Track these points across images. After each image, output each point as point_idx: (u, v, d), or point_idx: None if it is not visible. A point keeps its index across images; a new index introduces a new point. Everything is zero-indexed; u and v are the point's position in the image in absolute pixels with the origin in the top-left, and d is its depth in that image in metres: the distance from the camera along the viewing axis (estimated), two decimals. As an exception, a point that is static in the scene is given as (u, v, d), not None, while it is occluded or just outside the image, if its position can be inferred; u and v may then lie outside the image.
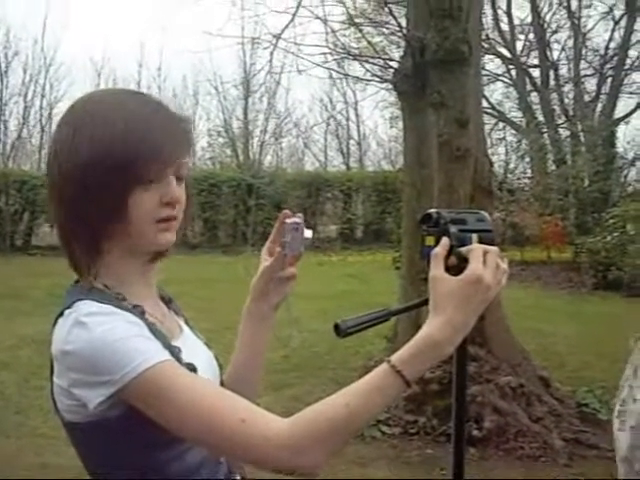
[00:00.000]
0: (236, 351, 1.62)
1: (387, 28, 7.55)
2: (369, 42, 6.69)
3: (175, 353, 1.30)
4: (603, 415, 5.72)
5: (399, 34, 6.55)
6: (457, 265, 1.27)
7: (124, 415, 1.23)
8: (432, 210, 1.31)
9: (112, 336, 1.20)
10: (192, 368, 1.32)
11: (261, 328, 1.58)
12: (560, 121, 22.75)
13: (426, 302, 1.29)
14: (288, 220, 1.44)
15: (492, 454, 5.26)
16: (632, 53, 23.70)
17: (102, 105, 1.33)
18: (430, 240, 1.30)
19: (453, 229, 1.27)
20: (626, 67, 23.58)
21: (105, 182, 1.26)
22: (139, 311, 1.31)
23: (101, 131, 1.28)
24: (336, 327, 1.33)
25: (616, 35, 23.70)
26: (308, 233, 1.49)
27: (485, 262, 1.29)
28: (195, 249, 21.14)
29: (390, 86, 6.74)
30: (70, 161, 1.29)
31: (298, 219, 1.47)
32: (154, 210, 1.33)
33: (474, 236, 1.28)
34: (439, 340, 1.27)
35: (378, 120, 39.31)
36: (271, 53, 7.80)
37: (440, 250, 1.30)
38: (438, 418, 5.47)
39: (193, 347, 1.44)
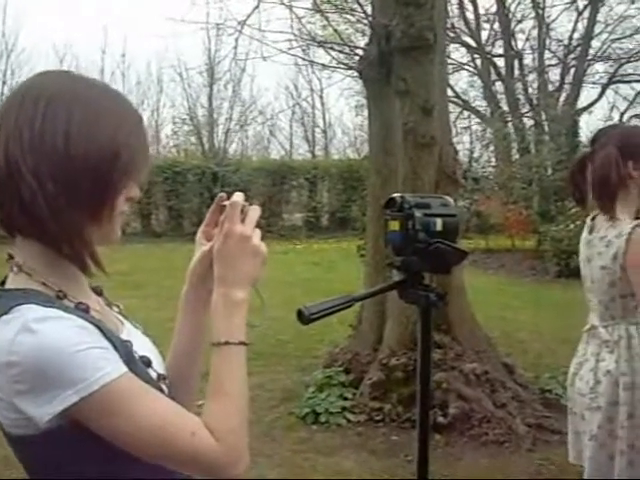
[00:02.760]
0: (176, 342, 1.57)
1: (353, 15, 7.52)
2: (334, 29, 6.67)
3: (128, 348, 1.28)
4: (565, 400, 5.78)
5: (365, 21, 6.50)
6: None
7: (76, 427, 1.19)
8: (396, 195, 1.30)
9: (65, 347, 1.14)
10: (146, 361, 1.32)
11: (201, 315, 1.53)
12: (524, 110, 22.94)
13: (389, 288, 1.28)
14: (226, 203, 1.40)
15: (457, 440, 5.29)
16: (595, 44, 23.97)
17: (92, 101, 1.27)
18: (394, 225, 1.29)
19: (417, 213, 1.26)
20: (589, 57, 23.83)
21: (101, 178, 1.23)
22: (83, 309, 1.26)
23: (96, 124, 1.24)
24: (299, 313, 1.32)
25: (579, 26, 23.93)
26: None
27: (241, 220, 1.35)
28: (160, 237, 21.02)
29: (355, 74, 6.71)
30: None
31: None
32: (121, 204, 1.30)
33: (438, 220, 1.27)
34: (225, 292, 1.34)
35: (344, 108, 39.33)
36: (236, 40, 7.74)
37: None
38: (403, 405, 5.49)
39: (137, 338, 1.42)
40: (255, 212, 1.38)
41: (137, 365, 1.28)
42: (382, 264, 5.50)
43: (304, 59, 13.70)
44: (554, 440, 5.23)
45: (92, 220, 1.25)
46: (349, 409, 5.68)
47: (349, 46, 6.72)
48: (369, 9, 6.51)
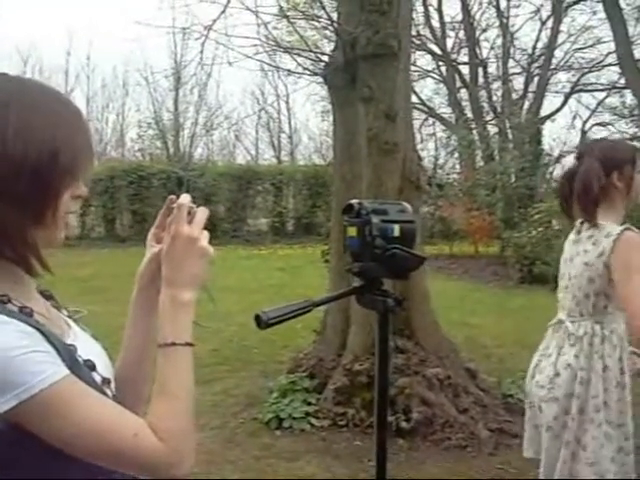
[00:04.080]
0: (125, 345, 1.57)
1: (318, 22, 7.54)
2: (300, 35, 6.68)
3: (72, 352, 1.27)
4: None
5: (331, 28, 6.53)
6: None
7: (17, 429, 1.18)
8: (354, 201, 1.31)
9: (5, 351, 1.14)
10: (90, 365, 1.31)
11: (151, 318, 1.51)
12: (488, 118, 23.16)
13: (347, 294, 1.29)
14: (175, 205, 1.40)
15: (420, 445, 5.32)
16: (558, 53, 24.31)
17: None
18: (352, 231, 1.30)
19: (375, 219, 1.28)
20: (552, 67, 24.14)
21: (41, 179, 1.22)
22: (26, 312, 1.25)
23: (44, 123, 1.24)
24: (257, 318, 1.33)
25: (543, 35, 24.26)
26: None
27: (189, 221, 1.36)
28: (124, 242, 20.84)
29: (321, 80, 6.73)
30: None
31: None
32: (66, 204, 1.29)
33: (396, 227, 1.28)
34: (171, 294, 1.35)
35: (310, 114, 39.48)
36: (202, 44, 7.71)
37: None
38: (367, 410, 5.50)
39: (84, 342, 1.41)
40: (203, 214, 1.39)
41: (81, 369, 1.27)
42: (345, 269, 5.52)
43: (270, 65, 13.68)
44: (515, 444, 5.28)
45: (35, 221, 1.24)
46: (313, 414, 5.68)
47: (314, 52, 6.73)
48: (336, 16, 6.52)
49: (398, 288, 5.72)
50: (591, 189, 3.04)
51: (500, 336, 8.79)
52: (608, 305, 3.03)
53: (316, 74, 6.57)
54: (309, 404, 5.75)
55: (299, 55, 7.03)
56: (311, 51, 6.63)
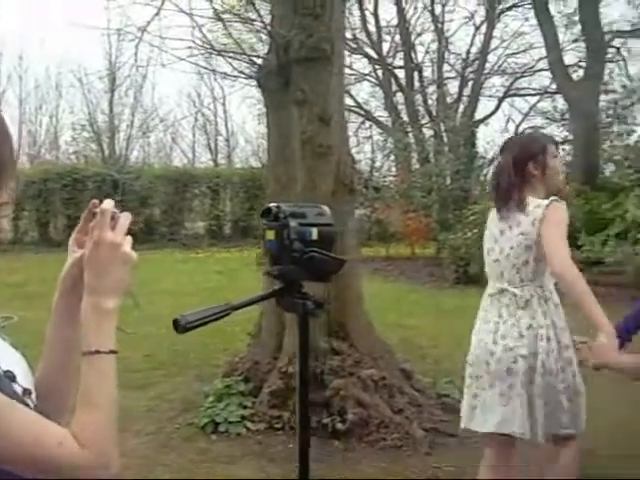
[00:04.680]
0: (48, 354, 1.53)
1: (252, 24, 7.52)
2: (233, 38, 6.67)
3: None
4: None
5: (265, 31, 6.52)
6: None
7: None
8: (272, 204, 1.32)
9: None
10: (10, 376, 1.29)
11: (72, 325, 1.48)
12: (424, 121, 23.44)
13: (267, 296, 1.30)
14: (98, 209, 1.39)
15: (356, 446, 5.34)
16: (491, 58, 24.76)
17: None
18: (270, 234, 1.31)
19: (293, 223, 1.28)
20: (486, 71, 24.58)
21: None
22: None
23: None
24: (175, 322, 1.32)
25: (477, 40, 24.66)
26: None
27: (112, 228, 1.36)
28: (59, 247, 20.39)
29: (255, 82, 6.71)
30: None
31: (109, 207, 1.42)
32: None
33: (314, 230, 1.29)
34: (94, 301, 1.34)
35: (247, 116, 39.32)
36: (136, 46, 7.62)
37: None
38: (302, 413, 5.50)
39: (3, 352, 1.39)
40: (126, 219, 1.38)
41: (1, 380, 1.26)
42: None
43: (204, 67, 13.60)
44: (450, 443, 5.35)
45: None
46: (248, 418, 5.66)
47: (248, 55, 6.71)
48: (270, 19, 6.51)
49: (332, 290, 5.76)
50: (501, 183, 3.60)
51: (436, 337, 8.89)
52: (545, 269, 3.44)
53: (250, 77, 6.55)
54: (245, 408, 5.73)
55: (233, 58, 6.99)
56: (244, 54, 6.61)
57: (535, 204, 3.46)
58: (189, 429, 5.72)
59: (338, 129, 5.76)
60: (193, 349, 8.04)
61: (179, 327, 1.32)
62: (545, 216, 3.38)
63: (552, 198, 3.46)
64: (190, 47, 6.81)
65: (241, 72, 7.07)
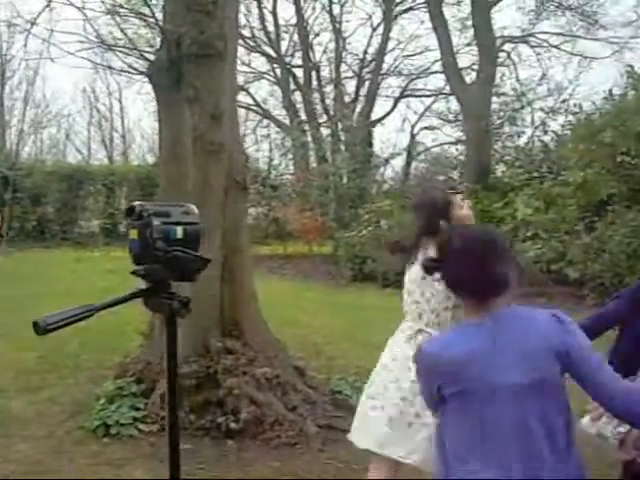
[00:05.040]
0: None
1: (144, 20, 7.39)
2: (124, 32, 6.55)
3: None
4: (355, 400, 6.00)
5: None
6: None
7: None
8: (136, 203, 1.30)
9: None
10: None
11: None
12: (321, 120, 23.60)
13: (132, 297, 1.27)
14: None
15: (250, 445, 5.31)
16: (388, 59, 25.17)
17: None
18: (134, 233, 1.28)
19: (156, 222, 1.26)
20: (382, 72, 24.96)
21: None
22: None
23: None
24: (35, 325, 1.27)
25: (374, 41, 25.03)
26: None
27: None
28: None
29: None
30: None
31: None
32: None
33: (178, 229, 1.27)
34: None
35: (143, 113, 38.65)
36: (25, 38, 7.37)
37: None
38: (195, 413, 5.44)
39: None
40: None
41: None
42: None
43: (94, 62, 13.29)
44: (343, 439, 5.40)
45: None
46: (141, 419, 5.56)
47: (139, 50, 6.59)
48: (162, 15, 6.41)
49: (226, 290, 5.74)
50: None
51: (331, 334, 8.97)
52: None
53: (142, 73, 6.43)
54: (137, 409, 5.62)
55: (123, 53, 6.87)
56: (135, 49, 6.49)
57: None
58: (80, 432, 5.57)
59: (230, 126, 5.73)
60: (86, 350, 7.85)
61: (39, 329, 1.28)
62: None
63: None
64: (82, 41, 6.65)
65: (132, 68, 6.93)
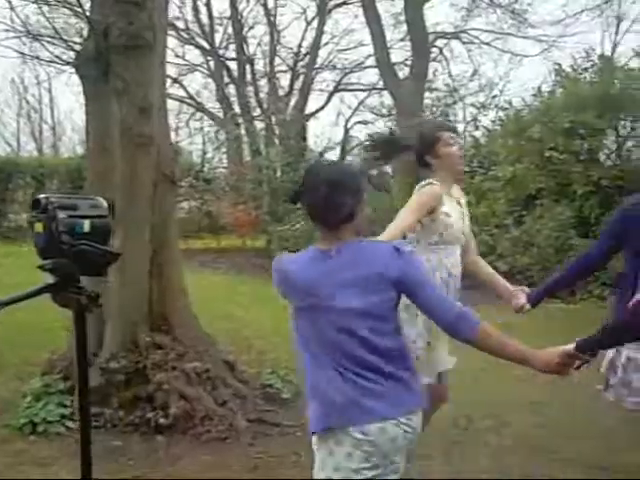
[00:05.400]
0: None
1: (70, 9, 7.24)
2: (49, 22, 6.41)
3: None
4: (285, 394, 6.03)
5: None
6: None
7: None
8: (41, 195, 1.27)
9: None
10: None
11: None
12: (255, 114, 23.53)
13: (39, 292, 1.25)
14: None
15: (180, 440, 5.28)
16: (322, 53, 25.20)
17: None
18: (39, 226, 1.26)
19: (61, 215, 1.24)
20: (317, 66, 24.99)
21: None
22: None
23: None
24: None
25: (308, 35, 25.03)
26: None
27: None
28: None
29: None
30: None
31: None
32: None
33: (86, 222, 1.25)
34: None
35: (73, 104, 37.89)
36: (-55, 26, 7.16)
37: None
38: (124, 409, 5.40)
39: None
40: None
41: None
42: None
43: (22, 53, 12.98)
44: (274, 433, 5.43)
45: None
46: (69, 417, 5.46)
47: (65, 40, 6.46)
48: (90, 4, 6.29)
49: (154, 284, 5.68)
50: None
51: (263, 328, 8.95)
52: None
53: (68, 63, 6.31)
54: (65, 406, 5.53)
55: (53, 43, 6.73)
56: (62, 39, 6.36)
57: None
58: (6, 431, 5.45)
59: (159, 119, 5.68)
60: (11, 347, 7.67)
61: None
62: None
63: (424, 182, 3.80)
64: (8, 30, 6.49)
65: (59, 58, 6.79)
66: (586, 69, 14.67)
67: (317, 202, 2.51)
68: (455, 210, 3.90)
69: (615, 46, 22.46)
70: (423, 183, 3.79)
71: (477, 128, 20.76)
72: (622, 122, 13.86)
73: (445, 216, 3.78)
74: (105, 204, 1.31)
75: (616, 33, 23.19)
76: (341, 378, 2.44)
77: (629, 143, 14.26)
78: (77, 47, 6.62)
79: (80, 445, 1.31)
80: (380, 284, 2.46)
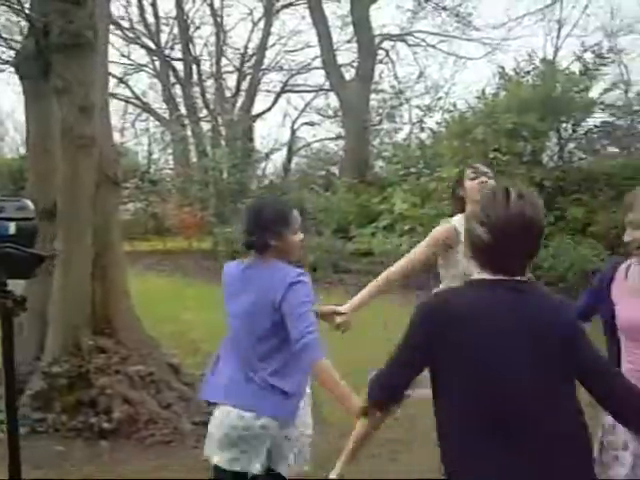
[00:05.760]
0: None
1: (9, 6, 7.08)
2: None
3: None
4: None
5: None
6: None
7: None
8: (-35, 198, 1.24)
9: None
10: None
11: None
12: (202, 115, 23.39)
13: None
14: None
15: (123, 444, 5.23)
16: (269, 54, 25.16)
17: None
18: None
19: (-14, 217, 1.21)
20: (263, 67, 24.93)
21: None
22: None
23: None
24: None
25: (255, 36, 24.97)
26: None
27: None
28: None
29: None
30: None
31: None
32: None
33: (11, 224, 1.23)
34: None
35: (15, 104, 37.12)
36: None
37: None
38: (67, 413, 5.31)
39: None
40: None
41: None
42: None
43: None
44: (219, 435, 5.38)
45: None
46: (3, 421, 5.35)
47: (4, 39, 6.33)
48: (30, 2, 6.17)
49: (97, 287, 5.61)
50: None
51: (209, 330, 8.88)
52: None
53: (7, 62, 6.19)
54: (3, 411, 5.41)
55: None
56: (1, 37, 6.23)
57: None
58: (-59, 438, 5.32)
59: (101, 119, 5.61)
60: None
61: None
62: None
63: (443, 220, 4.02)
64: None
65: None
66: (528, 72, 14.94)
67: (244, 232, 3.13)
68: None
69: (557, 50, 22.84)
70: (442, 221, 4.00)
71: (423, 130, 20.96)
72: (564, 125, 14.15)
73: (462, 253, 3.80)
74: (32, 206, 1.28)
75: (558, 37, 23.60)
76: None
77: (571, 145, 14.57)
78: (17, 46, 6.50)
79: (8, 449, 1.29)
80: (266, 305, 2.95)
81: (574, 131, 14.41)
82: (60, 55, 5.33)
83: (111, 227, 5.78)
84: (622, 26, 21.73)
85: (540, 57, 15.91)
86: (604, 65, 14.75)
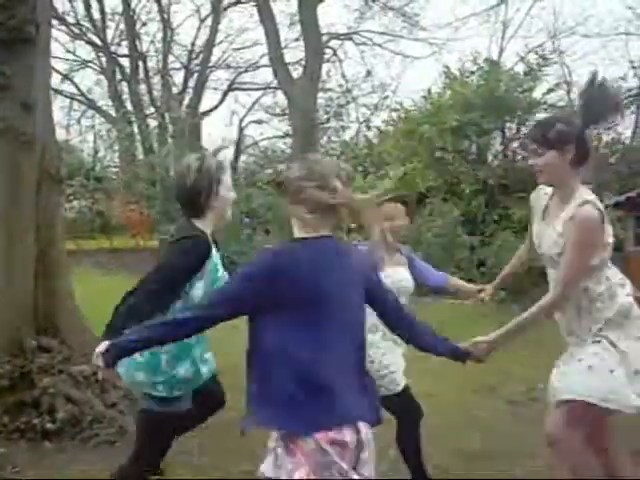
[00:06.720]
0: None
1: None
2: None
3: None
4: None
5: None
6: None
7: None
8: None
9: None
10: None
11: None
12: (148, 112, 23.22)
13: None
14: None
15: (68, 445, 5.16)
16: (217, 51, 25.10)
17: None
18: None
19: None
20: (211, 64, 24.88)
21: None
22: None
23: None
24: None
25: (202, 34, 24.88)
26: None
27: None
28: None
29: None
30: None
31: None
32: None
33: None
34: None
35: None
36: None
37: None
38: (9, 414, 5.23)
39: None
40: None
41: None
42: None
43: None
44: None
45: None
46: (-53, 424, 5.26)
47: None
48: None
49: (40, 286, 5.54)
50: None
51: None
52: None
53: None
54: (-57, 414, 5.31)
55: None
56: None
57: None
58: None
59: (43, 116, 5.54)
60: None
61: None
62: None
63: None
64: None
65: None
66: (473, 72, 15.17)
67: None
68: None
69: (501, 51, 23.26)
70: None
71: (369, 129, 21.14)
72: (508, 124, 14.41)
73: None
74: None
75: (502, 38, 24.02)
76: None
77: (514, 144, 14.85)
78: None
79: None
80: None
81: (518, 130, 14.69)
82: (0, 50, 5.25)
83: (54, 225, 5.71)
84: (565, 28, 22.22)
85: (484, 57, 16.16)
86: (547, 66, 15.06)
